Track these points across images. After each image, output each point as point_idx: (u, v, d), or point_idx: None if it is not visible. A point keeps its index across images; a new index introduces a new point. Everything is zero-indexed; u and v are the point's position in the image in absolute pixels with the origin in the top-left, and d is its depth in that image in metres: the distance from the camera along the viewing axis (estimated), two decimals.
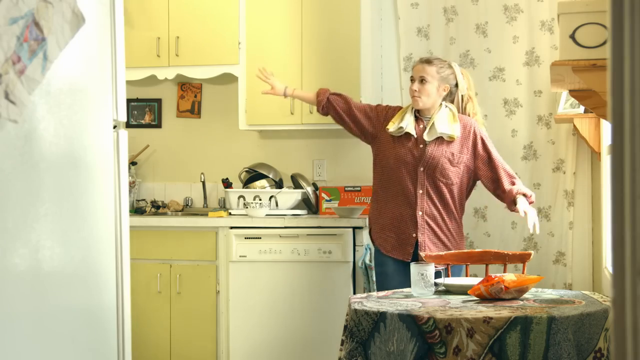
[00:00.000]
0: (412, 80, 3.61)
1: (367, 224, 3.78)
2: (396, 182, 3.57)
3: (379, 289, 3.58)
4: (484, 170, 3.56)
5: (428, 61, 3.61)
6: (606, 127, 3.80)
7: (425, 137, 3.54)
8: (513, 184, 3.51)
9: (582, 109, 3.89)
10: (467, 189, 3.64)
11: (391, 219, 3.59)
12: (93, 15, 1.99)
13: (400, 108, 3.72)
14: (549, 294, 2.69)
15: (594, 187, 4.32)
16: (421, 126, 3.59)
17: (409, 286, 2.86)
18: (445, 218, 3.56)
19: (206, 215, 4.65)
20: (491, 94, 4.47)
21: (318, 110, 3.82)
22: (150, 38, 4.66)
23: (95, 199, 2.04)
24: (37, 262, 1.78)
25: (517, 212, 3.38)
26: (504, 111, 4.46)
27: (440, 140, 3.54)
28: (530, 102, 4.44)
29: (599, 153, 3.97)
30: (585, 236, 4.37)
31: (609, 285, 3.32)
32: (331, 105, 3.74)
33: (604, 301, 2.48)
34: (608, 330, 2.29)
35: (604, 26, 2.28)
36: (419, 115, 3.62)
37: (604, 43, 2.30)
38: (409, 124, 3.57)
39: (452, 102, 3.64)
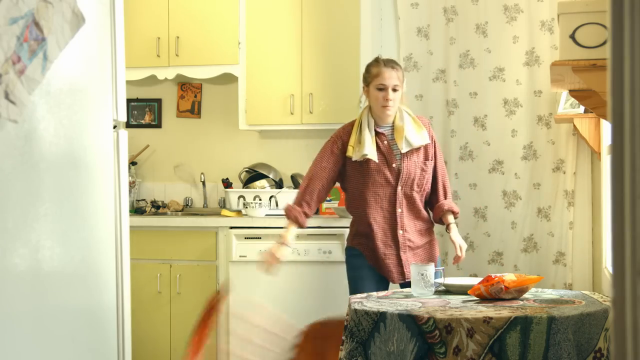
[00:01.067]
0: (382, 88, 3.29)
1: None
2: (373, 204, 3.35)
3: (353, 292, 3.37)
4: None
5: (395, 66, 3.33)
6: (606, 127, 3.80)
7: (403, 150, 3.30)
8: (445, 197, 3.42)
9: (582, 109, 3.89)
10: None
11: (371, 239, 3.36)
12: (93, 15, 1.99)
13: (350, 125, 3.41)
14: (549, 294, 2.69)
15: (594, 187, 4.32)
16: (385, 142, 3.34)
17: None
18: (420, 225, 3.41)
19: (208, 215, 4.65)
20: (491, 94, 4.47)
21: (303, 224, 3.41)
22: (150, 38, 4.66)
23: (95, 199, 2.04)
24: (37, 262, 1.78)
25: (451, 240, 3.33)
26: (504, 111, 4.46)
27: (409, 150, 3.33)
28: (530, 102, 4.44)
29: (599, 153, 3.97)
30: (585, 236, 4.37)
31: (609, 285, 3.32)
32: (309, 209, 3.38)
33: (604, 301, 2.48)
34: (608, 330, 2.29)
35: (604, 26, 2.28)
36: (377, 129, 3.35)
37: (604, 43, 2.30)
38: (369, 147, 3.28)
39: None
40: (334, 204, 4.58)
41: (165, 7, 4.65)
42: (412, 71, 4.55)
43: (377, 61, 3.36)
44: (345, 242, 3.54)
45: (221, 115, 4.96)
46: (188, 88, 5.04)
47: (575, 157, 4.37)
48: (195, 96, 5.04)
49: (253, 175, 4.75)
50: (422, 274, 2.72)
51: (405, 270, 3.35)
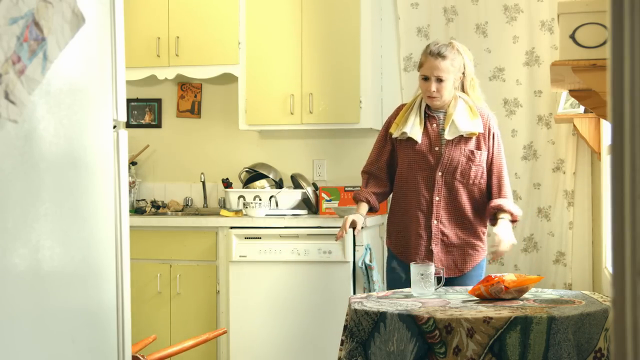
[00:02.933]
0: (426, 78, 3.21)
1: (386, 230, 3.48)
2: (412, 188, 3.26)
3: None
4: None
5: (441, 55, 3.19)
6: (606, 127, 3.80)
7: (447, 135, 3.20)
8: (500, 195, 3.26)
9: (582, 109, 3.89)
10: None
11: (404, 227, 3.30)
12: (93, 15, 1.99)
13: (402, 106, 3.39)
14: (549, 294, 2.69)
15: (594, 187, 4.32)
16: (434, 125, 3.26)
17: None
18: (462, 221, 3.25)
19: (208, 215, 4.65)
20: (491, 94, 4.47)
21: (375, 207, 3.42)
22: (150, 38, 4.66)
23: (95, 199, 2.04)
24: (37, 262, 1.78)
25: (494, 232, 3.18)
26: (504, 111, 4.46)
27: (457, 137, 3.23)
28: (530, 102, 4.44)
29: (599, 153, 3.97)
30: (585, 236, 4.37)
31: (609, 285, 3.32)
32: (379, 188, 3.38)
33: (604, 301, 2.48)
34: (608, 330, 2.29)
35: (604, 26, 2.28)
36: (430, 113, 3.28)
37: (604, 43, 2.30)
38: (414, 127, 3.23)
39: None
40: (334, 204, 4.58)
41: (165, 7, 4.65)
42: (412, 71, 4.55)
43: (426, 48, 3.28)
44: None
45: (221, 115, 4.96)
46: (188, 88, 5.04)
47: (575, 157, 4.37)
48: (195, 96, 5.04)
49: (253, 175, 4.75)
50: (423, 274, 2.72)
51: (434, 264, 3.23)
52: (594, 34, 2.31)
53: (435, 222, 3.23)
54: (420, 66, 3.25)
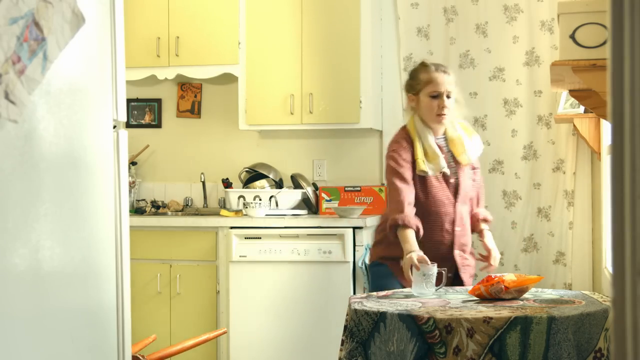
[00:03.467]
0: (437, 96, 3.01)
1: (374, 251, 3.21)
2: (433, 223, 3.05)
3: None
4: None
5: (446, 71, 3.07)
6: (606, 127, 3.80)
7: (463, 163, 3.08)
8: (478, 206, 3.22)
9: (582, 109, 3.89)
10: None
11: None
12: (93, 15, 1.99)
13: (406, 135, 3.08)
14: (549, 294, 2.69)
15: (594, 187, 4.32)
16: (443, 155, 3.07)
17: None
18: (469, 242, 3.19)
19: (208, 215, 4.65)
20: (491, 94, 4.48)
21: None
22: (150, 38, 4.66)
23: (95, 199, 2.04)
24: (37, 262, 1.78)
25: (485, 246, 3.10)
26: (504, 111, 4.46)
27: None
28: (530, 102, 4.44)
29: (599, 153, 3.97)
30: (585, 236, 4.37)
31: (609, 285, 3.32)
32: (414, 217, 3.00)
33: (604, 301, 2.47)
34: (608, 330, 2.29)
35: (604, 26, 2.28)
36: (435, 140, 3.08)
37: (604, 43, 2.30)
38: (443, 160, 3.02)
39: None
40: (334, 204, 4.58)
41: (165, 7, 4.65)
42: None
43: (425, 66, 3.08)
44: (369, 239, 3.21)
45: (221, 115, 4.96)
46: (188, 88, 5.04)
47: (575, 157, 4.37)
48: (195, 96, 5.04)
49: (253, 175, 4.75)
50: (424, 274, 2.71)
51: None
52: (594, 34, 2.31)
53: (457, 251, 3.10)
54: (426, 84, 3.03)
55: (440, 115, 3.02)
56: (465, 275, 3.13)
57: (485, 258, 3.07)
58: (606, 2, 0.86)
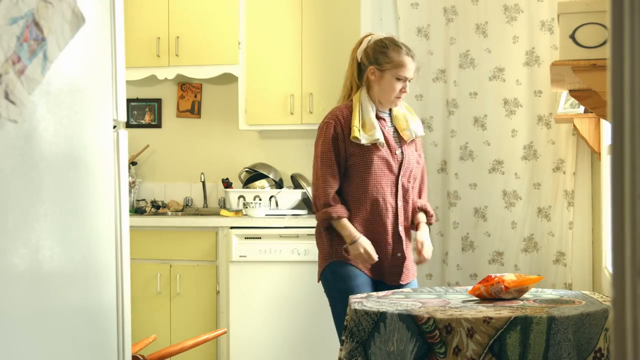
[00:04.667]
0: (402, 79, 3.05)
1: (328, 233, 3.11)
2: (375, 195, 3.04)
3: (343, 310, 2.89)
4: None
5: (413, 56, 3.12)
6: (606, 127, 3.80)
7: (407, 138, 3.10)
8: (420, 197, 3.21)
9: (582, 109, 3.89)
10: None
11: (373, 236, 3.05)
12: (93, 15, 1.99)
13: (347, 107, 3.08)
14: (549, 294, 2.69)
15: (594, 187, 4.32)
16: (386, 128, 3.09)
17: None
18: (408, 230, 3.18)
19: (208, 215, 4.65)
20: (491, 94, 4.47)
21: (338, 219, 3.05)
22: (150, 38, 4.66)
23: (95, 199, 2.04)
24: (37, 262, 1.78)
25: (417, 236, 3.10)
26: (504, 111, 4.46)
27: (411, 140, 3.13)
28: (530, 102, 4.44)
29: (599, 153, 3.97)
30: (585, 236, 4.37)
31: (609, 285, 3.32)
32: (342, 207, 3.05)
33: (604, 301, 2.48)
34: (608, 330, 2.29)
35: (604, 26, 2.28)
36: (378, 114, 3.10)
37: (604, 43, 2.30)
38: (379, 131, 3.02)
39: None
40: None
41: (165, 7, 4.65)
42: None
43: (397, 46, 3.09)
44: (324, 260, 3.12)
45: (221, 115, 4.96)
46: (188, 88, 5.04)
47: (575, 157, 4.37)
48: (195, 96, 5.04)
49: (253, 175, 4.75)
50: None
51: (404, 271, 3.11)
52: (594, 34, 2.31)
53: (400, 227, 3.09)
54: (397, 66, 3.03)
55: (398, 98, 3.07)
56: (407, 250, 3.12)
57: (418, 252, 3.08)
58: (606, 2, 0.86)
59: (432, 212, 3.22)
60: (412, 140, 3.15)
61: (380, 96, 3.08)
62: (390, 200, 3.07)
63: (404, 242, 3.12)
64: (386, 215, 3.07)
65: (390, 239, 3.08)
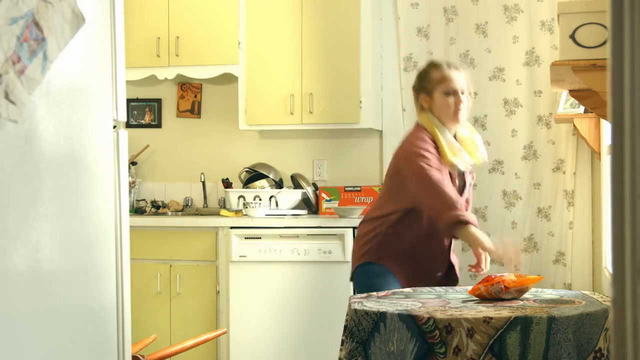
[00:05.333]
0: (451, 93, 2.96)
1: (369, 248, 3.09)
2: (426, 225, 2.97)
3: None
4: None
5: (457, 68, 3.05)
6: (606, 127, 3.80)
7: (477, 163, 3.06)
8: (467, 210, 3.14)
9: (582, 109, 3.89)
10: None
11: (422, 260, 3.05)
12: (93, 15, 1.99)
13: (426, 133, 2.98)
14: (549, 294, 2.69)
15: (594, 187, 4.32)
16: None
17: None
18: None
19: (208, 215, 4.65)
20: (491, 94, 4.47)
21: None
22: (150, 38, 4.66)
23: (95, 199, 2.04)
24: (37, 262, 1.78)
25: (475, 251, 2.95)
26: (504, 111, 4.46)
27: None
28: (530, 102, 4.44)
29: (599, 153, 3.97)
30: (585, 236, 4.37)
31: (609, 285, 3.32)
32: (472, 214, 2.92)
33: (604, 301, 2.47)
34: (608, 330, 2.29)
35: (604, 26, 2.28)
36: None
37: (604, 43, 2.30)
38: (464, 153, 2.97)
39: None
40: (334, 204, 4.58)
41: (165, 7, 4.65)
42: (412, 71, 4.55)
43: (436, 65, 3.03)
44: (357, 260, 3.11)
45: (221, 115, 4.96)
46: (188, 88, 5.04)
47: (575, 157, 4.37)
48: (195, 96, 5.04)
49: (253, 175, 4.75)
50: None
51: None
52: (594, 34, 2.31)
53: (452, 255, 3.15)
54: (439, 82, 2.97)
55: (456, 112, 2.96)
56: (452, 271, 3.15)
57: (476, 267, 2.99)
58: (606, 2, 0.86)
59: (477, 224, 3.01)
60: None
61: (442, 118, 2.99)
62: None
63: (455, 266, 3.15)
64: (442, 244, 3.06)
65: (439, 266, 3.09)
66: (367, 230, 3.11)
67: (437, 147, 2.94)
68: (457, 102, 2.96)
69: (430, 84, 3.01)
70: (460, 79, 2.99)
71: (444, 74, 2.98)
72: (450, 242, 3.10)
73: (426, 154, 2.90)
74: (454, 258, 3.16)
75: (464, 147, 3.00)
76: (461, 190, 3.03)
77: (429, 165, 2.87)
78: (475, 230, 2.80)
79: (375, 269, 3.05)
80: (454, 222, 2.78)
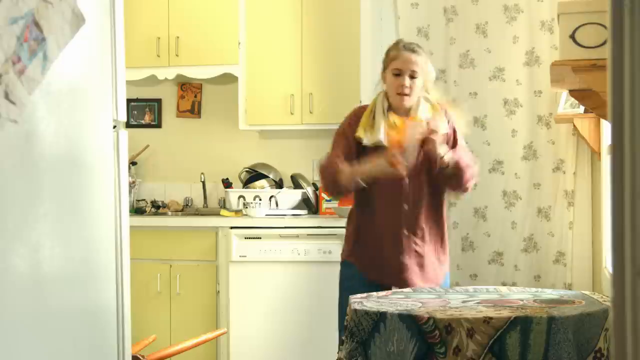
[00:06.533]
0: (399, 74, 2.94)
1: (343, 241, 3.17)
2: (377, 196, 2.99)
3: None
4: None
5: (415, 50, 2.97)
6: (606, 127, 3.80)
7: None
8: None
9: (582, 109, 3.89)
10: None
11: (373, 240, 3.02)
12: (93, 15, 1.99)
13: (364, 108, 3.06)
14: (549, 294, 2.69)
15: (594, 187, 4.32)
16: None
17: None
18: (432, 232, 3.05)
19: (208, 215, 4.65)
20: (491, 94, 4.47)
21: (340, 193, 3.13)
22: (150, 38, 4.66)
23: (95, 199, 2.04)
24: (37, 262, 1.78)
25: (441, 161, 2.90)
26: (504, 111, 4.46)
27: None
28: (530, 102, 4.44)
29: (599, 153, 3.97)
30: (585, 236, 4.36)
31: (609, 285, 3.31)
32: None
33: (604, 301, 2.47)
34: (608, 330, 2.29)
35: (604, 26, 2.28)
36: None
37: (604, 43, 2.30)
38: (383, 132, 2.92)
39: None
40: (334, 204, 4.58)
41: (165, 7, 4.65)
42: None
43: (396, 44, 3.03)
44: (340, 256, 3.16)
45: (221, 115, 4.96)
46: (188, 88, 5.04)
47: (575, 157, 4.37)
48: (195, 96, 5.04)
49: (253, 175, 4.75)
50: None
51: (406, 277, 2.99)
52: (594, 34, 2.31)
53: (405, 232, 2.99)
54: (391, 60, 2.96)
55: (400, 94, 2.94)
56: (410, 260, 2.98)
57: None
58: (606, 2, 0.86)
59: (464, 163, 2.95)
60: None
61: (389, 96, 3.00)
62: (395, 203, 2.97)
63: (413, 250, 3.01)
64: (391, 220, 2.99)
65: (391, 244, 2.99)
66: (348, 221, 3.20)
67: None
68: (401, 84, 2.93)
69: (385, 62, 3.02)
70: (411, 60, 2.93)
71: (397, 54, 2.96)
72: (400, 222, 3.00)
73: (340, 130, 3.05)
74: (410, 260, 3.01)
75: (401, 127, 2.90)
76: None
77: (336, 140, 3.03)
78: (346, 167, 2.89)
79: (349, 273, 3.10)
80: (333, 170, 2.93)
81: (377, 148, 2.91)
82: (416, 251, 3.01)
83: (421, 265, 3.02)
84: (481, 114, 4.47)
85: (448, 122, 3.02)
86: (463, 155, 2.99)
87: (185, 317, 4.36)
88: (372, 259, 3.03)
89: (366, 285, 2.94)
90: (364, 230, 3.05)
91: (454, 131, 3.06)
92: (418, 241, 3.01)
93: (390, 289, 2.95)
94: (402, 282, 2.99)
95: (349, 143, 2.99)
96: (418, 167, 2.95)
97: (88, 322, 2.01)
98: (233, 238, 4.28)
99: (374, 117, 2.98)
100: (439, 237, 3.08)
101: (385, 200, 2.99)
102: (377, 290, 2.87)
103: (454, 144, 3.03)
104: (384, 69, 3.03)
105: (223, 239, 4.32)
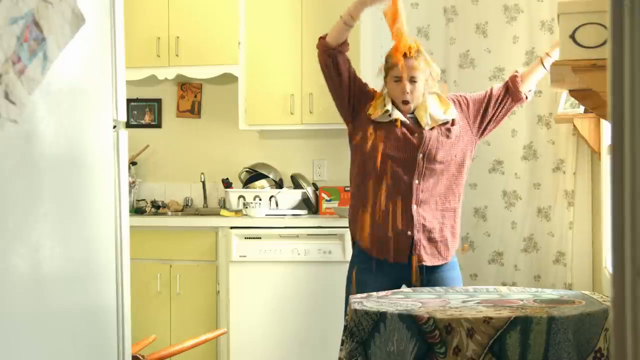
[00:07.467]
0: (399, 79, 3.02)
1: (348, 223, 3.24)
2: (387, 172, 3.02)
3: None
4: (482, 100, 3.18)
5: (410, 55, 3.05)
6: (606, 127, 3.80)
7: (426, 127, 3.01)
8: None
9: (582, 109, 3.89)
10: (466, 167, 3.18)
11: (381, 216, 3.03)
12: (93, 15, 1.99)
13: (375, 91, 3.16)
14: (549, 294, 2.69)
15: (594, 187, 4.32)
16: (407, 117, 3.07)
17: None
18: (444, 212, 3.07)
19: (208, 215, 4.65)
20: None
21: (327, 44, 3.29)
22: (150, 38, 4.66)
23: (95, 199, 2.04)
24: (37, 262, 1.78)
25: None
26: None
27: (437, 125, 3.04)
28: (530, 102, 4.43)
29: (599, 153, 3.97)
30: (585, 236, 4.37)
31: (609, 285, 3.32)
32: (345, 47, 3.23)
33: (604, 301, 2.47)
34: (608, 330, 2.29)
35: (604, 26, 2.28)
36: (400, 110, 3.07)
37: (604, 43, 2.30)
38: (394, 110, 3.02)
39: None
40: (334, 204, 4.58)
41: (165, 7, 4.65)
42: None
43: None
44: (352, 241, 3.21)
45: (221, 115, 4.96)
46: (188, 88, 5.04)
47: (575, 157, 4.37)
48: (195, 96, 5.04)
49: (253, 175, 4.75)
50: None
51: (416, 252, 3.00)
52: (594, 34, 2.31)
53: (414, 206, 3.01)
54: (391, 68, 3.05)
55: (404, 102, 3.02)
56: (418, 235, 3.01)
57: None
58: (606, 2, 0.86)
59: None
60: (443, 124, 3.05)
61: (394, 100, 3.07)
62: (404, 176, 3.00)
63: (422, 224, 3.02)
64: (396, 191, 3.02)
65: (401, 219, 3.00)
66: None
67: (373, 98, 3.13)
68: (403, 90, 3.00)
69: (385, 69, 3.11)
70: (409, 66, 3.00)
71: (395, 61, 3.04)
72: (413, 225, 3.02)
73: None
74: (419, 234, 3.03)
75: (417, 112, 3.04)
76: (420, 140, 3.01)
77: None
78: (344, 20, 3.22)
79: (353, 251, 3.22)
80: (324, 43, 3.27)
81: (387, 123, 3.02)
82: (424, 225, 3.03)
83: (430, 240, 3.05)
84: None
85: (459, 102, 3.13)
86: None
87: (185, 317, 4.36)
88: (378, 235, 3.06)
89: (371, 260, 3.08)
90: (373, 206, 3.06)
91: (468, 102, 3.16)
92: (427, 215, 3.04)
93: (397, 264, 3.03)
94: (411, 257, 3.02)
95: (362, 83, 3.19)
96: (431, 144, 3.01)
97: (88, 322, 2.01)
98: (233, 238, 4.28)
99: (384, 103, 3.07)
100: (451, 212, 3.10)
101: (396, 176, 3.01)
102: (382, 266, 3.02)
103: (487, 104, 3.17)
104: (385, 75, 3.11)
105: (223, 239, 4.32)
